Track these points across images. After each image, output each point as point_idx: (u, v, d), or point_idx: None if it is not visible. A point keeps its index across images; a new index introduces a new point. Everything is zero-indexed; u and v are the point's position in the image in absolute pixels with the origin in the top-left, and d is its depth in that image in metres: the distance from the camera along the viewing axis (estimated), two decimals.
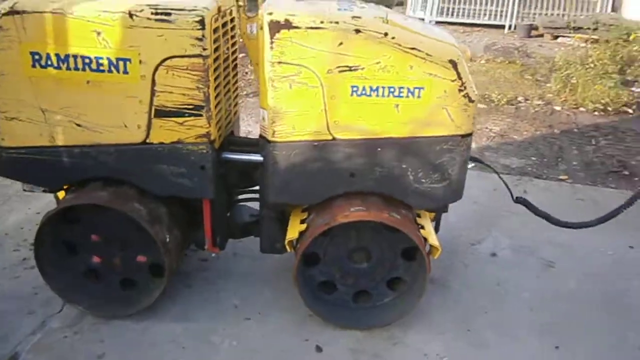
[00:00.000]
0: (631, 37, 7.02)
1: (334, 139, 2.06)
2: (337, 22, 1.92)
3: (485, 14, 9.62)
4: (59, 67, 2.01)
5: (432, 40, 2.00)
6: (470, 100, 2.02)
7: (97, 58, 1.98)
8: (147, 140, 2.10)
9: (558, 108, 5.69)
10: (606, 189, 3.85)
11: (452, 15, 9.70)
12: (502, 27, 9.44)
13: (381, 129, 2.05)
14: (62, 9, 1.94)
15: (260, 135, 2.16)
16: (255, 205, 2.53)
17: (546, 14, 9.38)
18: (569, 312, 2.51)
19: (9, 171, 2.23)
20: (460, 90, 1.99)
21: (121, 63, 1.98)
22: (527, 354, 2.25)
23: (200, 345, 2.21)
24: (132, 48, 1.96)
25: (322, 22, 1.91)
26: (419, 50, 1.94)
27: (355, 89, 1.98)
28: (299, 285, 2.23)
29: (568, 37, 8.48)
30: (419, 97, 2.00)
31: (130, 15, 1.92)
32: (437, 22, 9.31)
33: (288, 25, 1.90)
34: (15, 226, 3.01)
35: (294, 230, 2.23)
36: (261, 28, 1.96)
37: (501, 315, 2.47)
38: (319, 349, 2.21)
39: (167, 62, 1.97)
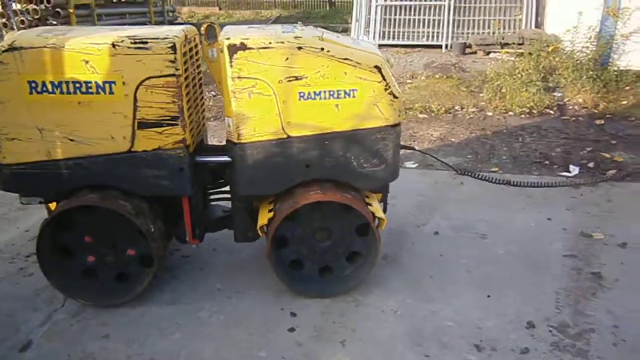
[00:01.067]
0: (550, 49, 7.67)
1: (288, 137, 2.51)
2: (282, 42, 2.38)
3: (423, 36, 10.23)
4: (53, 92, 2.39)
5: (360, 51, 2.49)
6: (395, 97, 2.51)
7: (86, 82, 2.38)
8: (132, 149, 2.49)
9: (490, 113, 6.29)
10: (530, 176, 4.43)
11: (394, 38, 10.26)
12: (440, 46, 10.03)
13: (326, 126, 2.51)
14: (55, 44, 2.34)
15: (227, 140, 2.58)
16: (227, 203, 2.93)
17: (478, 33, 9.97)
18: (498, 271, 3.02)
19: (11, 185, 2.58)
20: (385, 89, 2.48)
21: (107, 85, 2.39)
22: (466, 302, 2.73)
23: (192, 321, 2.58)
24: (116, 72, 2.37)
25: (270, 43, 2.37)
26: (350, 60, 2.42)
27: (302, 94, 2.44)
28: (273, 265, 2.64)
29: (498, 52, 9.08)
30: (354, 97, 2.47)
31: (113, 45, 2.34)
32: (380, 45, 9.85)
33: (243, 47, 2.36)
34: (7, 243, 3.31)
35: (263, 218, 2.64)
36: (222, 51, 2.40)
37: (444, 277, 2.95)
38: (293, 314, 2.62)
39: (146, 82, 2.38)
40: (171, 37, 2.37)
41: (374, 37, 10.19)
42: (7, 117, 2.43)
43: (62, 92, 2.39)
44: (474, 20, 10.26)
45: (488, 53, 9.37)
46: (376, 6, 10.24)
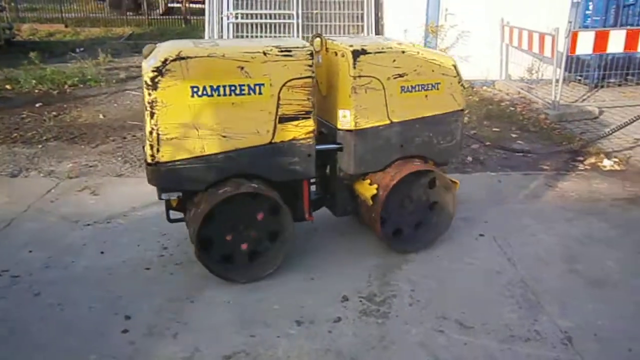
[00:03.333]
0: None
1: (391, 122, 3.18)
2: (391, 47, 3.08)
3: None
4: (211, 95, 2.78)
5: (439, 54, 3.29)
6: (464, 87, 3.34)
7: (240, 85, 2.81)
8: (273, 141, 2.96)
9: None
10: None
11: None
12: None
13: (418, 112, 3.24)
14: (215, 53, 2.75)
15: (339, 129, 3.15)
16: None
17: None
18: (324, 257, 3.41)
19: (164, 181, 2.86)
20: (459, 82, 3.30)
21: (257, 87, 2.85)
22: (292, 287, 3.08)
23: (22, 335, 2.67)
24: (265, 75, 2.84)
25: (382, 48, 3.05)
26: (436, 60, 3.20)
27: (403, 88, 3.15)
28: (380, 226, 3.24)
29: None
30: (437, 89, 3.24)
31: (265, 53, 2.82)
32: None
33: (364, 52, 3.00)
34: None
35: (369, 190, 3.24)
36: (342, 55, 3.01)
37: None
38: (127, 317, 2.79)
39: (288, 83, 2.89)
40: (308, 47, 2.92)
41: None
42: (169, 119, 2.75)
43: (219, 95, 2.79)
44: None
45: None
46: (228, 24, 10.17)
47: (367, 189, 3.27)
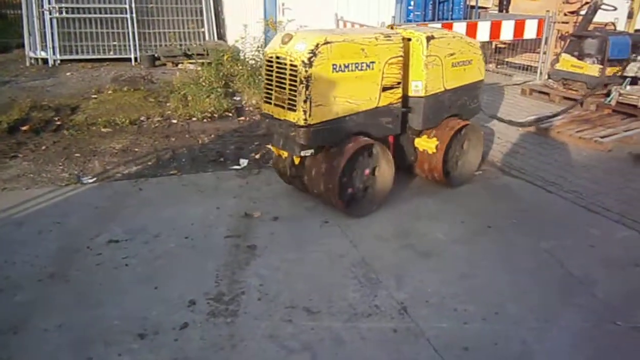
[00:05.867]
0: (225, 58, 8.35)
1: (445, 90, 4.33)
2: (447, 34, 4.25)
3: (110, 49, 10.06)
4: (344, 71, 3.69)
5: (471, 39, 4.52)
6: (485, 62, 4.62)
7: (361, 63, 3.76)
8: (378, 105, 3.95)
9: (175, 121, 6.59)
10: (205, 173, 4.95)
11: (77, 52, 9.89)
12: (129, 59, 9.95)
13: (459, 81, 4.43)
14: (348, 39, 3.67)
15: (411, 96, 4.21)
16: None
17: (166, 45, 10.21)
18: (168, 263, 3.37)
19: (312, 139, 3.69)
20: (482, 58, 4.57)
21: (371, 64, 3.81)
22: (133, 299, 2.99)
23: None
24: (376, 55, 3.82)
25: (442, 35, 4.19)
26: (472, 43, 4.44)
27: (453, 64, 4.32)
28: (442, 171, 4.37)
29: (185, 63, 9.52)
30: (470, 63, 4.47)
31: (376, 39, 3.80)
32: (63, 61, 9.54)
33: (432, 37, 4.10)
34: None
35: (432, 142, 4.34)
36: (417, 40, 4.08)
37: (114, 282, 3.15)
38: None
39: (389, 61, 3.90)
40: (400, 34, 3.95)
41: (53, 52, 9.68)
42: (318, 90, 3.60)
43: (348, 70, 3.71)
44: (159, 32, 10.51)
45: (177, 64, 9.74)
46: (50, 19, 9.68)
47: (428, 142, 4.39)
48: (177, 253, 3.48)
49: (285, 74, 3.67)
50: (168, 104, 7.13)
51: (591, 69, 7.25)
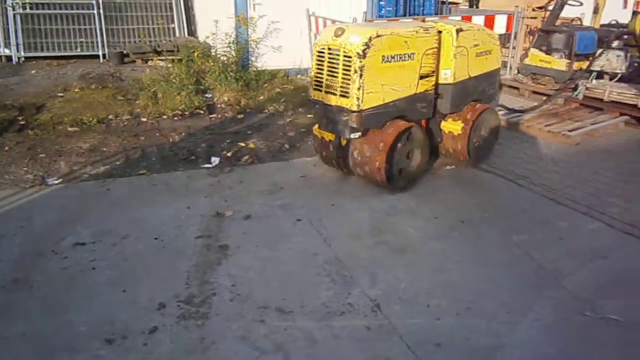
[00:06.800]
0: (196, 54, 8.04)
1: (470, 77, 4.73)
2: (472, 27, 4.64)
3: (77, 46, 9.65)
4: (390, 61, 4.01)
5: (491, 32, 4.93)
6: (502, 53, 5.04)
7: (404, 54, 4.09)
8: (416, 92, 4.30)
9: (145, 119, 6.35)
10: (176, 172, 4.79)
11: (42, 50, 9.46)
12: (97, 56, 9.56)
13: (481, 69, 4.83)
14: (394, 32, 4.00)
15: (441, 83, 4.57)
16: None
17: (135, 42, 9.80)
18: (137, 265, 3.25)
19: (363, 123, 4.00)
20: (499, 48, 4.99)
21: (412, 54, 4.16)
22: (101, 303, 2.88)
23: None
24: (416, 47, 4.16)
25: (469, 28, 4.58)
26: (492, 34, 4.86)
27: (477, 53, 4.71)
28: (467, 142, 4.74)
29: (155, 59, 9.25)
30: (490, 53, 4.88)
31: (416, 32, 4.14)
32: (27, 58, 9.26)
33: (461, 30, 4.48)
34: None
35: (457, 124, 4.74)
36: (447, 32, 4.43)
37: (80, 286, 3.03)
38: None
39: (426, 52, 4.26)
40: (435, 27, 4.31)
41: (17, 49, 9.31)
42: (369, 78, 3.91)
43: (395, 61, 4.04)
44: (128, 29, 10.08)
45: (146, 61, 9.45)
46: (14, 14, 9.27)
47: (454, 124, 4.79)
48: (146, 255, 3.37)
49: (338, 64, 3.97)
50: (137, 102, 6.89)
51: (559, 63, 7.60)
